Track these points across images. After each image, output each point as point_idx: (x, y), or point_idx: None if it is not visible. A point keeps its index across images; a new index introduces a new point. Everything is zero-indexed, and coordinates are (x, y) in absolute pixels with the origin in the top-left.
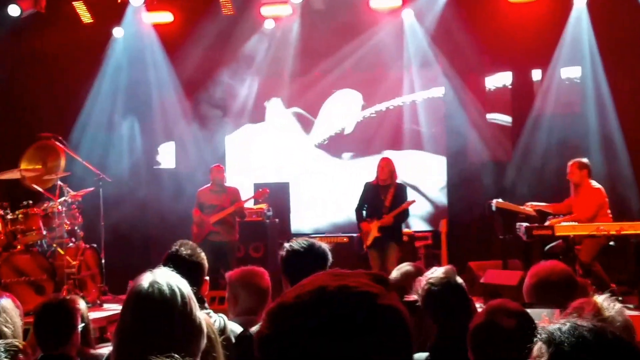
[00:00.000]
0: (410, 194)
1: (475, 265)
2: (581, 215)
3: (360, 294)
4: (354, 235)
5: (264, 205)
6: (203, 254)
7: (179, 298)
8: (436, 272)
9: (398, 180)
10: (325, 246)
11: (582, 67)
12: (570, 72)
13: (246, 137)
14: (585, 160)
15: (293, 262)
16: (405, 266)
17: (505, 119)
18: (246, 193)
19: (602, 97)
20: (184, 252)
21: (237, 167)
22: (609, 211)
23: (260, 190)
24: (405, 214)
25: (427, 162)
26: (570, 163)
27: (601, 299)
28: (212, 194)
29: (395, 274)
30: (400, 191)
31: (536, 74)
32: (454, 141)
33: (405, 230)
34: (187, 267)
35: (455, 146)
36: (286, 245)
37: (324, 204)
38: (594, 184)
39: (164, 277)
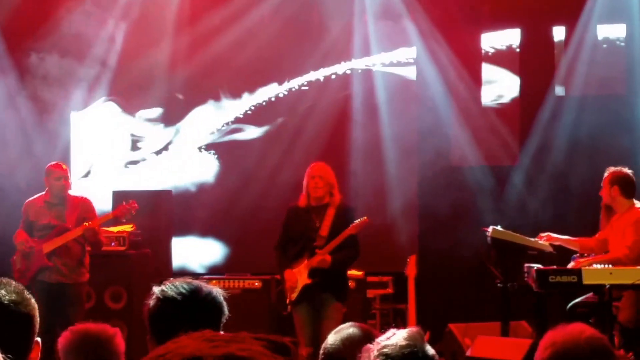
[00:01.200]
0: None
1: (459, 329)
2: (621, 254)
3: None
4: (272, 277)
5: (128, 227)
6: (33, 302)
7: None
8: (394, 338)
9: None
10: (218, 293)
11: (627, 25)
12: (610, 32)
13: (104, 117)
14: (625, 170)
15: (165, 318)
16: (348, 328)
17: (509, 99)
18: (102, 207)
19: None
20: (5, 298)
21: (89, 165)
22: None
23: (124, 203)
24: (352, 251)
25: (386, 168)
26: (606, 174)
27: None
28: (48, 209)
29: (332, 339)
30: (344, 214)
31: (558, 33)
32: (430, 134)
33: (353, 270)
34: (7, 322)
35: (432, 142)
36: (156, 290)
37: (228, 226)
38: None
39: None
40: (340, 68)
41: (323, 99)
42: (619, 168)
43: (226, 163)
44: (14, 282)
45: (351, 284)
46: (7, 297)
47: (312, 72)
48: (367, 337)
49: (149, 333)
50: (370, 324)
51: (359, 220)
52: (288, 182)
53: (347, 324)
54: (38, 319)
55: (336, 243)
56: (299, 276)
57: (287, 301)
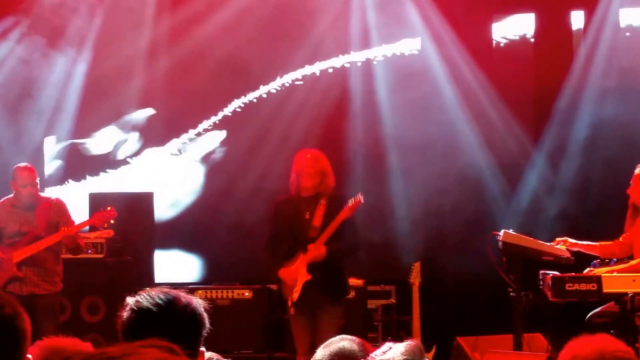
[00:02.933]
0: (365, 223)
1: (467, 343)
2: None
3: None
4: (262, 287)
5: (106, 233)
6: (26, 316)
7: None
8: (391, 353)
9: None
10: (198, 304)
11: None
12: (633, 17)
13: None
14: None
15: (139, 331)
16: (338, 342)
17: (522, 93)
18: (78, 211)
19: None
20: None
21: (63, 165)
22: None
23: (102, 209)
24: (351, 238)
25: (389, 167)
26: (637, 172)
27: None
28: (16, 213)
29: (320, 354)
30: (337, 201)
31: (576, 19)
32: (436, 132)
33: (352, 279)
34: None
35: (438, 140)
36: (129, 301)
37: (214, 230)
38: None
39: None
40: (338, 61)
41: (318, 95)
42: None
43: (212, 165)
44: (3, 294)
45: (351, 293)
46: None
47: (307, 67)
48: (359, 352)
49: None
50: (371, 337)
51: (351, 200)
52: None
53: (338, 337)
54: (31, 334)
55: (330, 231)
56: (297, 273)
57: (289, 303)
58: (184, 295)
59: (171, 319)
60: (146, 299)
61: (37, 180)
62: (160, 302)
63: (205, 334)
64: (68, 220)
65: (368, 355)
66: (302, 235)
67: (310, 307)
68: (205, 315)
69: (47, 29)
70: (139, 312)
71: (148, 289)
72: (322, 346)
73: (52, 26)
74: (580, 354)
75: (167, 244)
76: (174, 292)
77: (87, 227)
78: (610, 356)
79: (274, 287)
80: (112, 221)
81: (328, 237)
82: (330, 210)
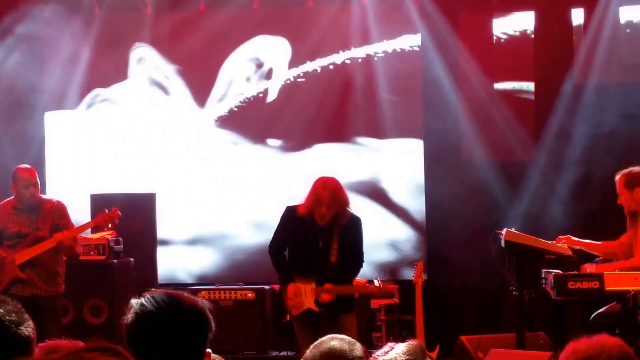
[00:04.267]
0: (367, 223)
1: (471, 341)
2: None
3: None
4: (265, 288)
5: (109, 235)
6: (32, 323)
7: None
8: (393, 353)
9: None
10: (203, 305)
11: None
12: (633, 14)
13: (81, 114)
14: (638, 168)
15: (144, 334)
16: (328, 341)
17: (524, 88)
18: (79, 213)
19: None
20: (4, 319)
21: (63, 166)
22: None
23: (106, 210)
24: (355, 263)
25: (391, 163)
26: (618, 178)
27: None
28: (17, 215)
29: (310, 354)
30: (351, 229)
31: (576, 15)
32: (437, 128)
33: (356, 279)
34: (6, 346)
35: (439, 137)
36: (133, 302)
37: (218, 231)
38: None
39: None
40: (339, 58)
41: (320, 91)
42: (629, 169)
43: (216, 164)
44: (10, 300)
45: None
46: (7, 318)
47: (308, 63)
48: (350, 351)
49: (130, 351)
50: (375, 337)
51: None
52: (283, 184)
53: (328, 337)
54: (36, 341)
55: (350, 291)
56: (304, 297)
57: (288, 316)
58: (188, 297)
59: (176, 320)
60: (150, 301)
61: (38, 181)
62: (164, 303)
63: (211, 336)
64: (67, 224)
65: (363, 354)
66: (317, 266)
67: (315, 319)
68: (210, 316)
69: (47, 29)
70: (143, 314)
71: (152, 290)
72: (312, 346)
73: (52, 26)
74: (580, 348)
75: (169, 245)
76: (179, 293)
77: (90, 229)
78: (609, 353)
79: (277, 287)
80: (116, 221)
81: (343, 292)
82: (343, 240)
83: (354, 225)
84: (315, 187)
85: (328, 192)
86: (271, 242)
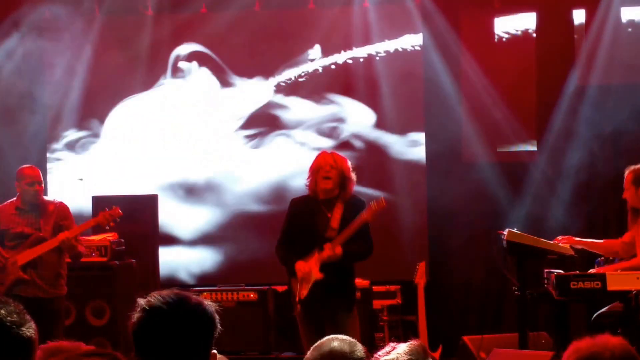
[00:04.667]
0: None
1: (473, 342)
2: None
3: None
4: (268, 288)
5: (110, 237)
6: (34, 324)
7: None
8: (394, 353)
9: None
10: (209, 305)
11: None
12: (635, 14)
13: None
14: None
15: (151, 331)
16: (329, 342)
17: (525, 89)
18: (81, 213)
19: None
20: (6, 320)
21: (67, 167)
22: None
23: (106, 209)
24: (364, 245)
25: (392, 164)
26: (626, 173)
27: None
28: (20, 216)
29: (311, 356)
30: (354, 206)
31: (578, 16)
32: (439, 129)
33: (358, 280)
34: (8, 348)
35: (441, 137)
36: (141, 301)
37: (219, 232)
38: None
39: None
40: (340, 58)
41: (323, 91)
42: (639, 165)
43: (218, 164)
44: (11, 301)
45: (357, 294)
46: (8, 319)
47: (309, 63)
48: (350, 352)
49: (134, 351)
50: (377, 338)
51: (373, 202)
52: (286, 184)
53: (329, 338)
54: (38, 342)
55: (349, 233)
56: (310, 270)
57: (297, 299)
58: (194, 297)
59: (183, 318)
60: (157, 298)
61: (42, 180)
62: (172, 301)
63: (217, 335)
64: (70, 225)
65: (364, 355)
66: (319, 234)
67: (317, 309)
68: (216, 316)
69: (47, 29)
70: (151, 311)
71: (158, 290)
72: (312, 348)
73: (52, 26)
74: (583, 347)
75: (171, 246)
76: (185, 292)
77: (91, 228)
78: (612, 349)
79: (279, 288)
80: (117, 219)
81: (345, 239)
82: (347, 214)
83: (360, 205)
84: (317, 158)
85: (328, 161)
86: (279, 238)
